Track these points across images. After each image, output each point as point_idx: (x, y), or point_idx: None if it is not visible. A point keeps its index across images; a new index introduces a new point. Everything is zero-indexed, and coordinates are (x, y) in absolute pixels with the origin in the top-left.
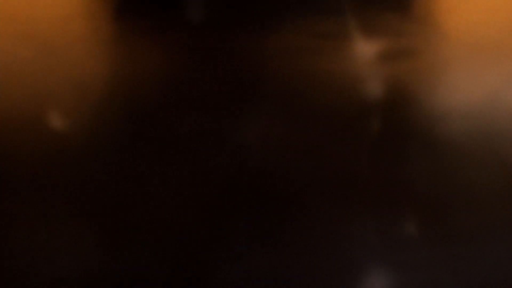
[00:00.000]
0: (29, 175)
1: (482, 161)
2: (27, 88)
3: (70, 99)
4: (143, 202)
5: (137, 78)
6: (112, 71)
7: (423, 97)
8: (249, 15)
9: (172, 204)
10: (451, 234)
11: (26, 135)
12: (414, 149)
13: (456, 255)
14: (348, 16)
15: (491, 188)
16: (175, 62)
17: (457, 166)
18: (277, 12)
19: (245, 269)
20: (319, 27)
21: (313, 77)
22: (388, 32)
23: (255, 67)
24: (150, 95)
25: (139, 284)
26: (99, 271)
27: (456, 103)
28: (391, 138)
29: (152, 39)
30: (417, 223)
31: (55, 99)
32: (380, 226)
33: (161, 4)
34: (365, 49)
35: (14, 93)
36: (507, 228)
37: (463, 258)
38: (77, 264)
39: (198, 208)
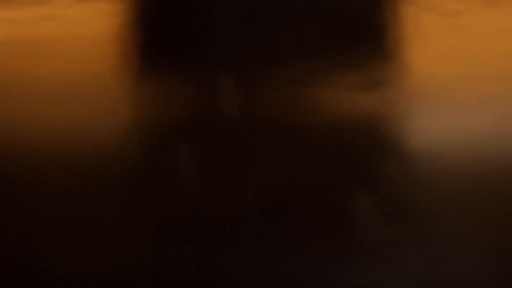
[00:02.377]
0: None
1: (445, 172)
2: (63, 123)
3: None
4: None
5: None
6: (136, 108)
7: (394, 121)
8: (251, 55)
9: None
10: (420, 235)
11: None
12: (388, 163)
13: (423, 254)
14: (330, 54)
15: (455, 195)
16: (194, 97)
17: (425, 177)
18: (273, 53)
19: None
20: (307, 63)
21: (301, 104)
22: (363, 67)
23: (257, 97)
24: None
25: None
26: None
27: (421, 125)
28: (368, 153)
29: (171, 77)
30: (390, 224)
31: (86, 131)
32: (358, 226)
33: (180, 47)
34: (343, 81)
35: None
36: (469, 230)
37: (430, 256)
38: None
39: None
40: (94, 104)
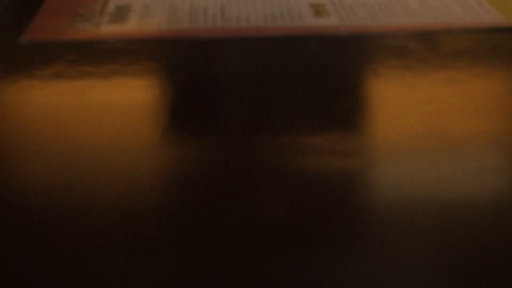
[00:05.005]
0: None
1: (410, 210)
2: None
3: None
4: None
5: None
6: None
7: (366, 167)
8: (255, 119)
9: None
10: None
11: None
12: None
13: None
14: (312, 115)
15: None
16: (213, 153)
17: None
18: (271, 115)
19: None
20: (297, 124)
21: (293, 155)
22: (339, 125)
23: (260, 150)
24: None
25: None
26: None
27: (388, 170)
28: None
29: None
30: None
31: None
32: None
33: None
34: (323, 136)
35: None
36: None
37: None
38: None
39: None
40: (131, 158)
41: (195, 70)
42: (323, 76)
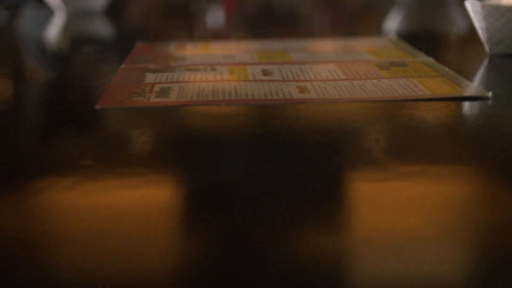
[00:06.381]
0: None
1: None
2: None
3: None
4: None
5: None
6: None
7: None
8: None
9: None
10: None
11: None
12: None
13: None
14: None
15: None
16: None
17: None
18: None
19: None
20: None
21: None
22: (322, 208)
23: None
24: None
25: None
26: None
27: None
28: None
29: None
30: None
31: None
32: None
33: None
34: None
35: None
36: None
37: None
38: None
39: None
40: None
41: (215, 123)
42: (305, 125)
